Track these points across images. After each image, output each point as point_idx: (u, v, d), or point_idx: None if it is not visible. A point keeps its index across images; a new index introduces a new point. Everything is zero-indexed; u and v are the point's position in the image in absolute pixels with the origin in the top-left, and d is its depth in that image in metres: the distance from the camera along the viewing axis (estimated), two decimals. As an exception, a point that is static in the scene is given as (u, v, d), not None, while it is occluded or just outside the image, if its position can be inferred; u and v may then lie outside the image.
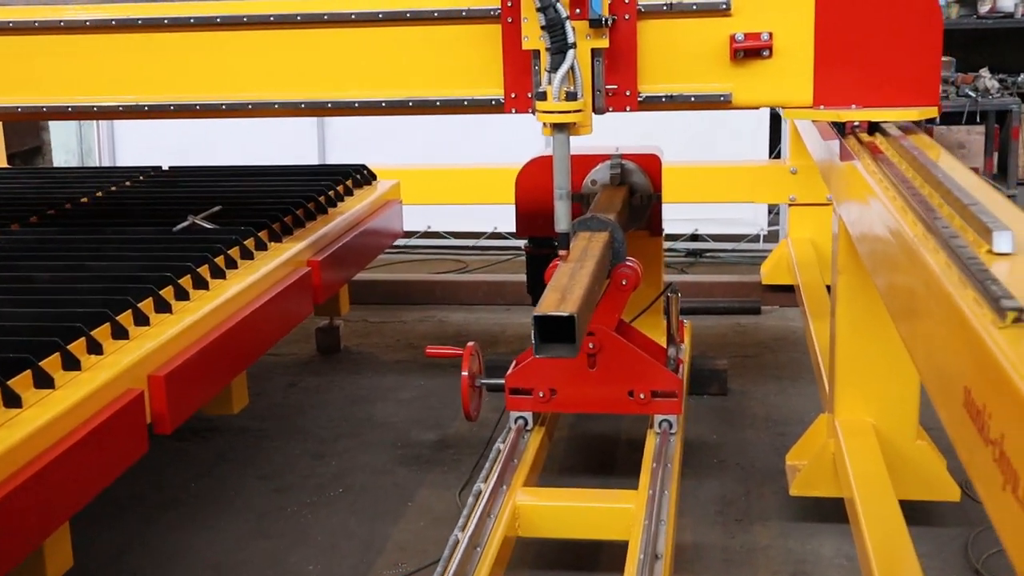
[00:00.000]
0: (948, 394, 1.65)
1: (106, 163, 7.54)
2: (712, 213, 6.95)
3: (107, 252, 3.70)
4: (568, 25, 3.15)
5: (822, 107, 3.23)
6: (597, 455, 4.17)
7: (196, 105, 3.55)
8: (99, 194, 4.79)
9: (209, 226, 4.03)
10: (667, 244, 7.14)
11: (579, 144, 4.71)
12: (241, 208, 4.31)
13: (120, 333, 3.01)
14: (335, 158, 7.25)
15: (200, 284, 3.46)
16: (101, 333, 2.96)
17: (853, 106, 3.20)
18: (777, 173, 5.89)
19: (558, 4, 3.13)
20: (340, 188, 4.84)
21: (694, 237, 7.14)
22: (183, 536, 3.66)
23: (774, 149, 7.15)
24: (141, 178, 5.14)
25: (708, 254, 7.12)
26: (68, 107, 3.55)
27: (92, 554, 3.54)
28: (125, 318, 3.07)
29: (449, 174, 6.06)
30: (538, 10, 3.15)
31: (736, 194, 6.02)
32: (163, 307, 3.24)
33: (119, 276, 3.38)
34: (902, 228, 2.11)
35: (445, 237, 7.33)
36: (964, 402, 1.55)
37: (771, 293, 5.94)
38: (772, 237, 6.94)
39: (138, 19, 3.41)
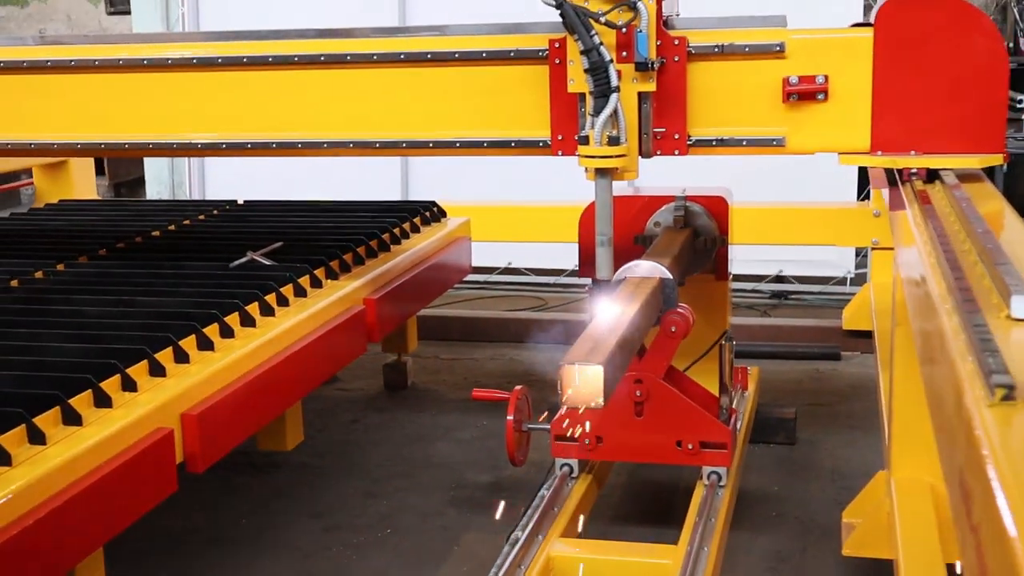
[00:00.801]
0: (950, 469, 1.54)
1: (195, 195, 7.69)
2: (798, 254, 6.79)
3: (160, 287, 3.74)
4: (612, 69, 3.09)
5: (879, 153, 3.11)
6: (653, 503, 4.06)
7: (247, 144, 3.57)
8: (171, 227, 4.86)
9: (267, 263, 4.05)
10: (751, 285, 7.01)
11: (644, 185, 4.66)
12: (303, 244, 4.33)
13: (157, 370, 3.03)
14: (417, 194, 7.28)
15: (248, 322, 3.47)
16: (138, 370, 2.97)
17: (912, 152, 3.08)
18: (860, 216, 5.72)
19: (602, 47, 3.07)
20: (406, 225, 4.84)
21: (779, 279, 6.98)
22: (225, 574, 3.66)
23: (863, 190, 6.96)
24: (215, 212, 5.22)
25: (793, 296, 6.94)
26: (125, 144, 3.61)
27: (135, 587, 3.56)
28: (165, 355, 3.09)
29: (524, 211, 6.03)
30: (581, 53, 3.10)
31: (817, 236, 5.86)
32: (206, 345, 3.24)
33: (166, 312, 3.41)
34: (930, 284, 2.00)
35: (525, 274, 7.29)
36: (959, 481, 1.44)
37: (852, 339, 5.75)
38: (860, 280, 6.74)
39: (168, 59, 3.46)
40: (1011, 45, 7.64)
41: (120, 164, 10.47)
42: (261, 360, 3.31)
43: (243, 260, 4.03)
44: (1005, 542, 1.09)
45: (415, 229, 4.91)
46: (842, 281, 6.87)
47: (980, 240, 2.08)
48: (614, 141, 3.13)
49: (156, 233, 4.74)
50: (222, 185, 7.61)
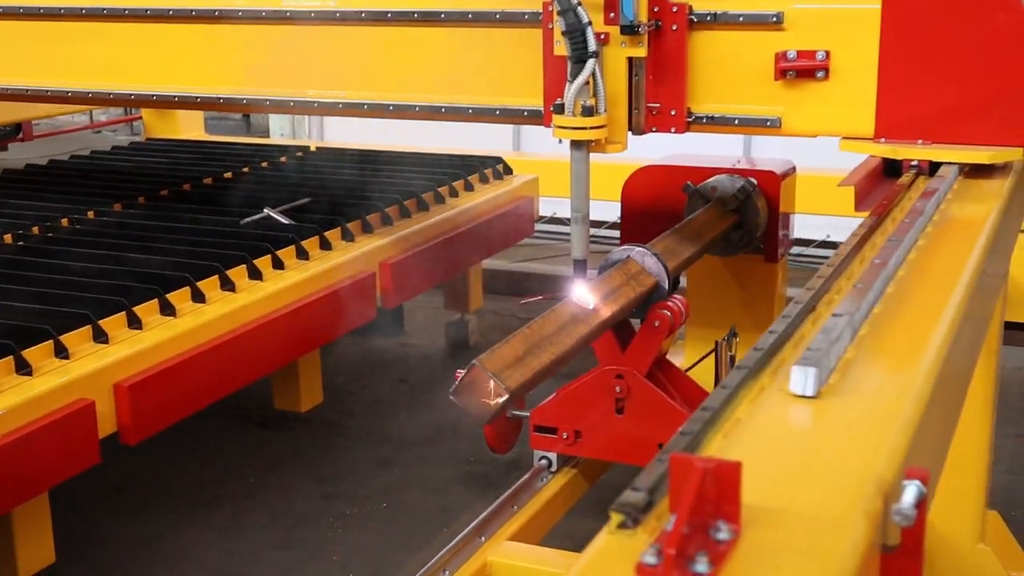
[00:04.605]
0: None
1: (315, 136, 7.69)
2: (848, 221, 6.25)
3: (161, 244, 3.67)
4: (589, 32, 2.80)
5: (882, 140, 2.72)
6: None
7: (243, 100, 3.45)
8: (227, 175, 4.82)
9: (284, 220, 3.94)
10: (798, 249, 6.51)
11: (699, 151, 4.29)
12: (334, 201, 4.20)
13: (101, 336, 2.96)
14: (529, 145, 7.08)
15: (228, 286, 3.37)
16: (78, 336, 2.92)
17: (919, 142, 2.68)
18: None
19: (579, 8, 2.78)
20: (458, 183, 4.64)
21: (824, 244, 6.48)
22: (211, 536, 3.62)
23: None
24: (281, 159, 5.15)
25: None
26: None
27: (119, 544, 3.56)
28: (115, 321, 3.02)
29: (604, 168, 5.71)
30: (558, 14, 2.82)
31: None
32: (168, 310, 3.16)
33: (143, 273, 3.33)
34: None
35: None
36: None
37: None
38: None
39: (146, 9, 3.39)
40: None
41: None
42: (224, 329, 3.20)
43: (258, 216, 3.93)
44: None
45: (469, 187, 4.70)
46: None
47: (862, 279, 1.75)
48: (588, 112, 2.84)
49: (208, 181, 4.70)
50: (341, 127, 7.55)
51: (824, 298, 1.74)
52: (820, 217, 5.31)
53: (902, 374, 1.48)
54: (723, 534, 1.02)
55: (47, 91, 3.70)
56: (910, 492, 1.11)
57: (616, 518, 1.06)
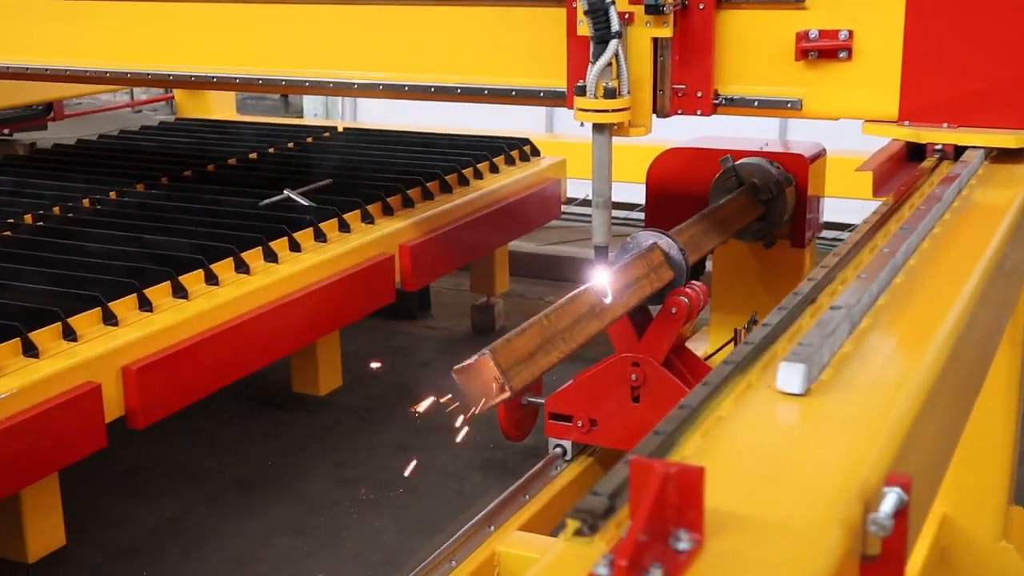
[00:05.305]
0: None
1: (347, 116, 7.64)
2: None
3: (181, 225, 3.64)
4: (613, 11, 2.72)
5: (906, 123, 2.63)
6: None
7: (258, 80, 3.41)
8: (252, 156, 4.79)
9: (304, 202, 3.91)
10: (832, 234, 6.36)
11: (726, 134, 4.20)
12: (356, 182, 4.16)
13: (111, 319, 2.94)
14: (561, 127, 7.00)
15: (242, 268, 3.34)
16: (88, 318, 2.89)
17: (945, 125, 2.59)
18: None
19: (603, -14, 2.70)
20: (482, 165, 4.58)
21: None
22: (224, 521, 3.60)
23: None
24: (308, 140, 5.11)
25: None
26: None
27: (132, 526, 3.55)
28: (125, 303, 2.99)
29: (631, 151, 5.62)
30: (581, -8, 2.75)
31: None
32: (181, 293, 3.14)
33: (158, 255, 3.30)
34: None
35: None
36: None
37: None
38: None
39: None
40: None
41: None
42: (236, 312, 3.17)
43: (278, 198, 3.90)
44: None
45: (494, 169, 4.64)
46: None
47: (866, 271, 1.67)
48: (610, 94, 2.77)
49: (232, 161, 4.67)
50: (375, 107, 7.50)
51: (827, 289, 1.67)
52: (856, 201, 5.18)
53: (901, 370, 1.41)
54: (683, 543, 0.96)
55: (66, 71, 3.68)
56: (889, 500, 1.04)
57: (572, 524, 1.00)
